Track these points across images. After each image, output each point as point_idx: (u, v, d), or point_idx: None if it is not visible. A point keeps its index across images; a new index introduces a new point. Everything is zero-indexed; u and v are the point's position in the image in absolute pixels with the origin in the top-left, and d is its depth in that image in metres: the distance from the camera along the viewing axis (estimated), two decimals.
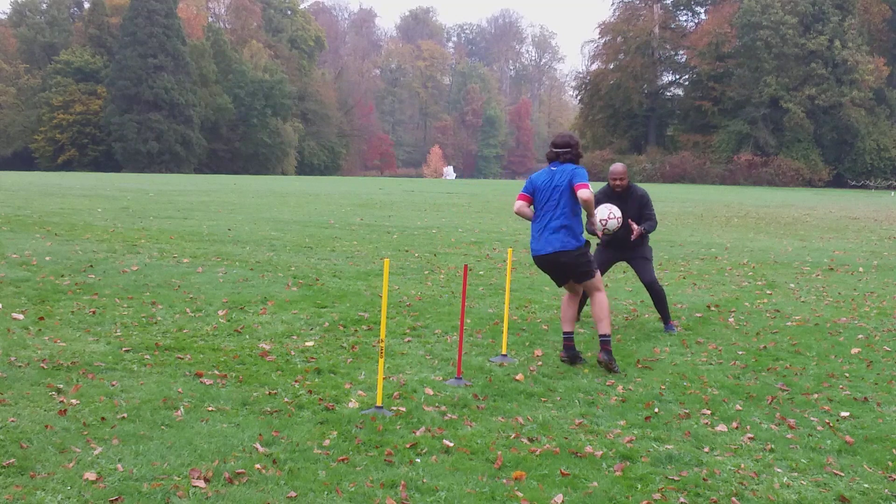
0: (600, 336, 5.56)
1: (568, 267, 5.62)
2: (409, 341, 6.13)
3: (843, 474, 3.80)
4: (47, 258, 9.33)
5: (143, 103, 64.93)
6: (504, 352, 5.78)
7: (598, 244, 7.11)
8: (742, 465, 3.85)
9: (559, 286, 5.91)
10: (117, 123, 64.90)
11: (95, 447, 3.69)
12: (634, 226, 6.75)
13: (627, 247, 6.89)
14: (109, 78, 65.39)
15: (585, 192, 5.45)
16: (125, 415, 4.15)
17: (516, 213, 5.74)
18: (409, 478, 3.52)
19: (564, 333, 5.72)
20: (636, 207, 6.83)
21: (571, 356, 5.65)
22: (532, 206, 5.75)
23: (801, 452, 4.06)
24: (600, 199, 6.81)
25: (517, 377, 5.22)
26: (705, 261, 12.21)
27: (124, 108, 65.03)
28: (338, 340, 6.02)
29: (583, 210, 5.58)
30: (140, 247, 10.92)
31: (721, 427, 4.39)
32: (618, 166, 6.91)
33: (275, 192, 28.96)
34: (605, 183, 6.96)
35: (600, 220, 6.27)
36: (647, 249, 7.01)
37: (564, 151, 5.64)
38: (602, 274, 7.18)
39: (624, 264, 10.34)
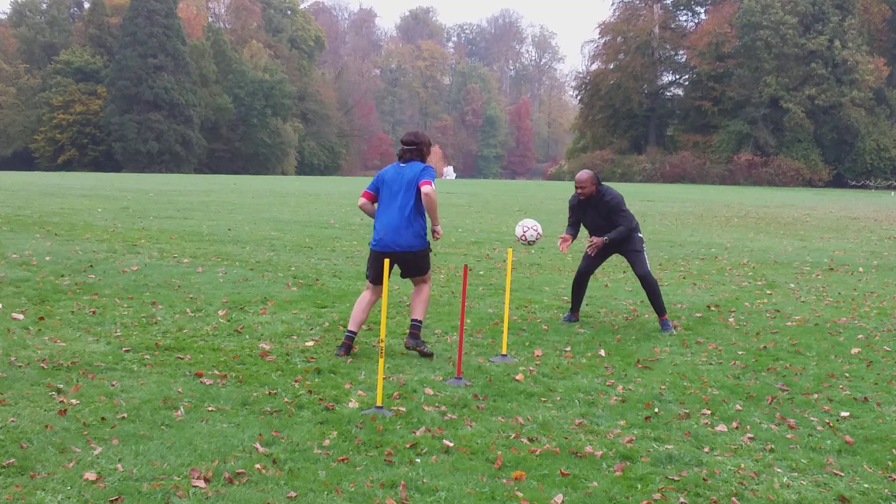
0: (413, 320, 5.68)
1: (411, 265, 5.68)
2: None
3: (843, 474, 3.80)
4: (47, 258, 9.33)
5: (143, 103, 64.92)
6: (504, 352, 5.78)
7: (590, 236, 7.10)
8: (742, 465, 3.85)
9: (376, 283, 5.75)
10: (117, 123, 64.88)
11: (95, 447, 3.69)
12: (594, 239, 6.78)
13: (617, 243, 6.90)
14: (109, 78, 65.38)
15: (427, 188, 5.49)
16: (125, 415, 4.15)
17: (360, 208, 5.83)
18: (409, 478, 3.52)
19: (350, 332, 5.63)
20: (604, 214, 6.82)
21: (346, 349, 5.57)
22: (376, 203, 5.76)
23: (801, 452, 4.06)
24: (573, 206, 7.02)
25: (517, 377, 5.21)
26: (705, 261, 12.22)
27: (124, 108, 65.02)
28: (338, 340, 6.02)
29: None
30: (140, 247, 10.92)
31: (721, 427, 4.39)
32: (581, 174, 6.91)
33: (275, 192, 28.97)
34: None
35: (519, 238, 6.48)
36: (637, 241, 6.96)
37: (411, 149, 5.66)
38: (596, 267, 7.19)
39: (624, 265, 10.35)
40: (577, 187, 6.86)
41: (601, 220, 6.86)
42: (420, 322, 5.70)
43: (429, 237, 5.76)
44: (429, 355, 5.59)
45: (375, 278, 5.73)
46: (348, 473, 3.55)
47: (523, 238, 6.47)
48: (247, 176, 55.99)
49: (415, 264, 5.69)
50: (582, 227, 7.12)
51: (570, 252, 12.62)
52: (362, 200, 5.79)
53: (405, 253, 5.59)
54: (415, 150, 5.69)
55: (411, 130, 5.90)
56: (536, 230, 6.45)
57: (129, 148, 65.09)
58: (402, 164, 5.68)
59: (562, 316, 7.36)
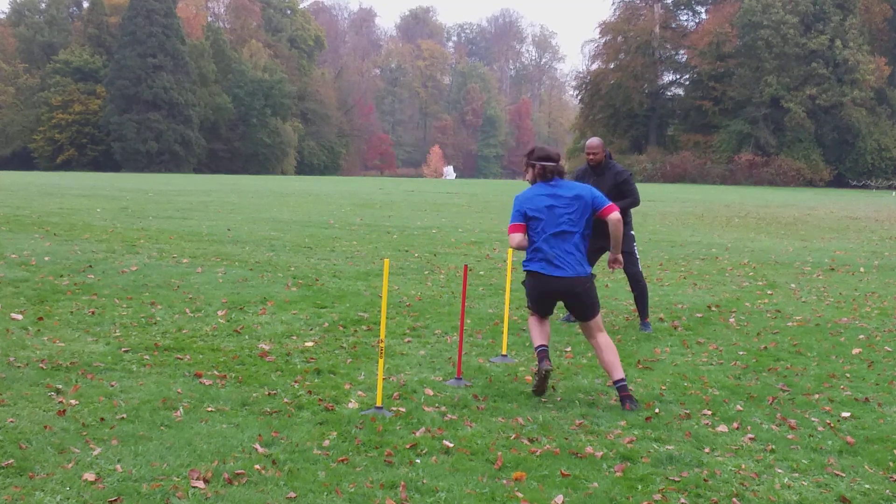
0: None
1: (579, 296, 4.87)
2: (408, 341, 6.12)
3: (844, 475, 3.79)
4: (46, 258, 9.32)
5: (143, 103, 64.93)
6: (504, 352, 5.77)
7: None
8: (743, 466, 3.84)
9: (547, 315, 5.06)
10: (116, 123, 64.90)
11: (94, 448, 3.68)
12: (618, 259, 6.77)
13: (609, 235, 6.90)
14: (108, 77, 65.40)
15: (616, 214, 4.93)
16: (124, 415, 4.14)
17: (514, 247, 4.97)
18: (409, 478, 3.51)
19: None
20: (611, 184, 6.85)
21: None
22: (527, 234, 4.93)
23: (802, 453, 4.05)
24: (578, 175, 7.09)
25: (526, 378, 5.20)
26: (706, 261, 12.20)
27: (123, 107, 65.03)
28: (337, 341, 6.01)
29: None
30: (139, 247, 10.91)
31: (722, 427, 4.38)
32: (593, 140, 7.05)
33: (274, 192, 28.96)
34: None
35: None
36: (629, 239, 6.90)
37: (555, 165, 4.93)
38: (593, 263, 7.17)
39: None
40: (588, 152, 6.91)
41: (605, 190, 6.86)
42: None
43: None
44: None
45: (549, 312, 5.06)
46: (348, 474, 3.54)
47: None
48: (246, 176, 56.00)
49: (586, 297, 4.85)
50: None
51: None
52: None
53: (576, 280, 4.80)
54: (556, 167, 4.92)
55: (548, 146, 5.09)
56: None
57: (129, 148, 65.10)
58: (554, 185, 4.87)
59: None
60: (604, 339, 4.85)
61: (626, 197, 6.84)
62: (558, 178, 4.90)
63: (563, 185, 4.89)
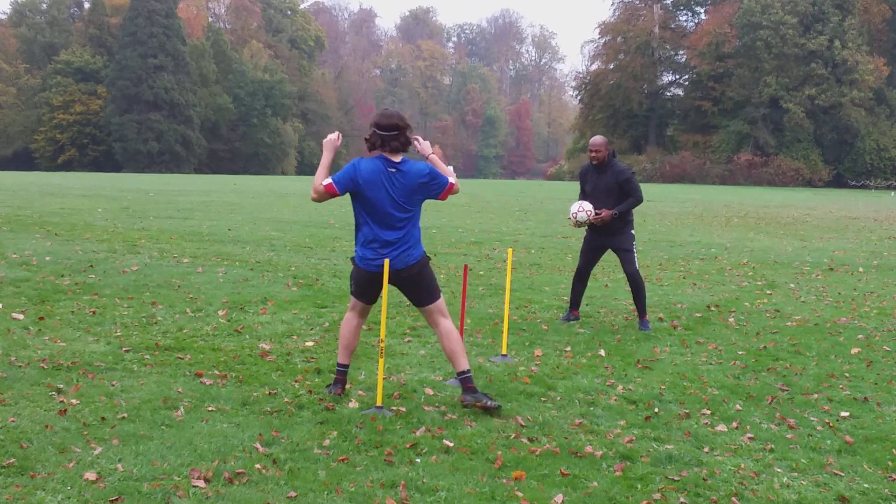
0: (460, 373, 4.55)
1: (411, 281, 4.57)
2: (409, 341, 6.13)
3: (843, 474, 3.80)
4: (47, 258, 9.33)
5: (144, 103, 64.94)
6: (504, 352, 5.78)
7: (585, 230, 7.16)
8: (742, 465, 3.85)
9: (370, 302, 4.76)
10: (117, 123, 64.90)
11: (95, 447, 3.69)
12: (603, 212, 6.79)
13: (611, 233, 6.91)
14: (109, 78, 65.40)
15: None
16: (125, 415, 4.15)
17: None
18: (409, 478, 3.52)
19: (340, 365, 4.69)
20: (613, 182, 6.85)
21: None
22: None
23: (801, 452, 4.06)
24: (583, 173, 7.14)
25: (524, 379, 5.21)
26: (705, 261, 12.21)
27: (124, 108, 65.04)
28: (338, 340, 6.02)
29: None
30: (140, 247, 10.92)
31: (721, 427, 4.39)
32: (596, 138, 7.06)
33: (275, 192, 28.97)
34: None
35: (570, 217, 6.88)
36: (629, 238, 6.94)
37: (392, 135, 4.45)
38: (594, 263, 7.18)
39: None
40: (591, 150, 6.91)
41: (604, 188, 6.87)
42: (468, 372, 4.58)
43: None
44: (492, 408, 4.44)
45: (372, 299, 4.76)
46: (348, 473, 3.55)
47: (574, 217, 6.84)
48: (247, 176, 56.00)
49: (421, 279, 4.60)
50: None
51: (570, 252, 12.62)
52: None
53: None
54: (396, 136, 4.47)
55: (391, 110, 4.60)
56: (587, 211, 6.79)
57: (130, 148, 65.11)
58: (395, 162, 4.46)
59: (562, 316, 7.35)
60: (446, 325, 4.56)
61: (628, 196, 6.85)
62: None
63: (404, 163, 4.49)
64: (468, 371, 4.54)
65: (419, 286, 4.59)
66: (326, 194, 4.46)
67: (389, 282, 4.54)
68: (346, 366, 4.72)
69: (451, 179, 4.62)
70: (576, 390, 5.00)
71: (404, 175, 4.47)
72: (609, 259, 9.75)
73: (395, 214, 4.47)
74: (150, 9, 64.45)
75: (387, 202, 4.44)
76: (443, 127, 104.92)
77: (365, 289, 4.64)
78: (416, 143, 4.67)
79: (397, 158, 4.48)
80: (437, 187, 4.57)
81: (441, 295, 4.68)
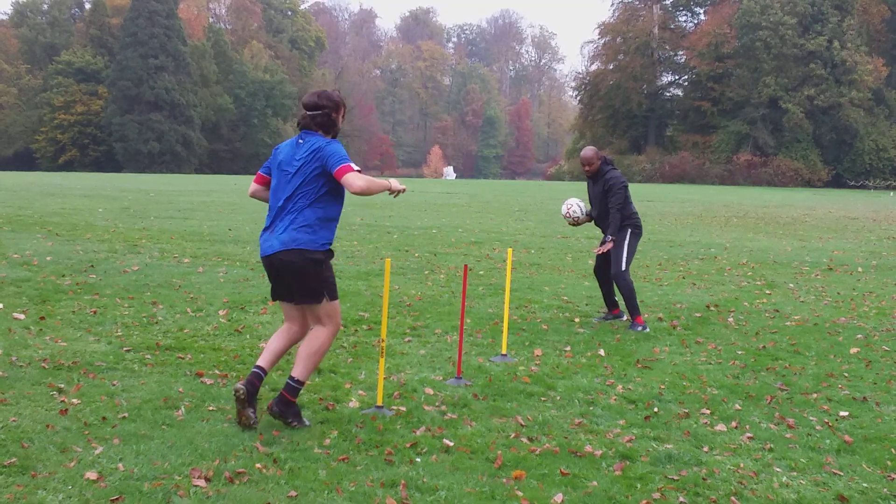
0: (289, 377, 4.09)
1: (295, 274, 4.05)
2: (409, 341, 6.13)
3: (842, 474, 3.81)
4: (48, 258, 9.34)
5: (144, 104, 64.96)
6: (504, 351, 5.79)
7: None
8: (741, 465, 3.86)
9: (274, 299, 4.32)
10: (118, 124, 64.93)
11: (96, 447, 3.70)
12: (607, 244, 6.74)
13: (606, 230, 6.97)
14: (110, 78, 65.45)
15: (354, 178, 3.90)
16: (126, 414, 4.16)
17: (250, 195, 4.33)
18: (410, 477, 3.52)
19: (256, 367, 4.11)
20: (601, 192, 6.88)
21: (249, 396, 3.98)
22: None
23: (800, 452, 4.07)
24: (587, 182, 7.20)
25: (524, 378, 5.22)
26: (704, 261, 12.22)
27: (125, 108, 65.07)
28: (338, 340, 6.03)
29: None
30: (141, 247, 10.93)
31: (720, 426, 4.40)
32: (585, 150, 7.01)
33: None
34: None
35: (564, 216, 7.01)
36: (621, 237, 6.85)
37: (316, 114, 4.09)
38: (603, 263, 7.18)
39: None
40: (583, 164, 6.97)
41: (595, 197, 6.97)
42: (300, 384, 4.08)
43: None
44: (293, 426, 4.06)
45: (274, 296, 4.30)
46: (348, 473, 3.56)
47: (568, 215, 6.94)
48: (247, 176, 55.98)
49: (304, 275, 4.05)
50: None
51: (570, 252, 12.64)
52: (253, 187, 4.31)
53: (284, 252, 4.04)
54: (320, 116, 4.10)
55: (315, 90, 4.21)
56: (580, 206, 6.93)
57: (130, 148, 65.14)
58: (300, 140, 4.11)
59: (562, 316, 7.36)
60: (317, 332, 4.12)
61: (610, 209, 6.74)
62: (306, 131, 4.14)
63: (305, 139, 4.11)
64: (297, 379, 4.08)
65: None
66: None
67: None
68: None
69: (355, 169, 3.97)
70: (575, 390, 5.01)
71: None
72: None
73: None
74: (151, 9, 64.49)
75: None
76: (443, 127, 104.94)
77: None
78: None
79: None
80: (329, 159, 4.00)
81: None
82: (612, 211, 6.76)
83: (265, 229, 4.17)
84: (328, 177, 4.03)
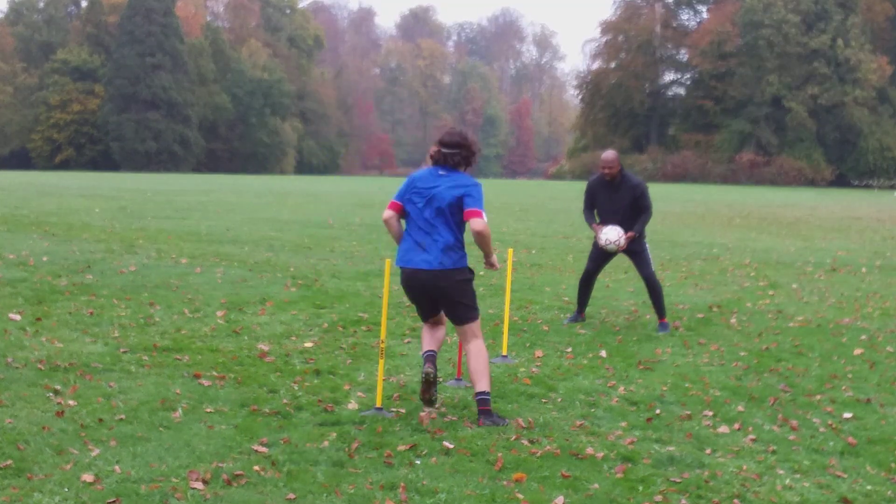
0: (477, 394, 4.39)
1: (444, 292, 4.42)
2: (408, 342, 6.10)
3: (845, 476, 3.77)
4: (44, 258, 9.30)
5: (141, 102, 64.85)
6: (504, 353, 5.75)
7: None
8: (744, 467, 3.82)
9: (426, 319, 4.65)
10: (115, 123, 64.81)
11: (93, 449, 3.67)
12: (630, 234, 6.72)
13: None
14: (107, 77, 65.32)
15: (480, 223, 4.34)
16: (123, 416, 4.13)
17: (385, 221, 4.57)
18: (409, 479, 3.49)
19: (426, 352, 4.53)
20: (629, 198, 6.80)
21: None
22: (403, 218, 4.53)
23: (803, 454, 4.04)
24: (592, 188, 6.98)
25: (525, 380, 5.19)
26: (707, 261, 12.19)
27: (122, 107, 64.95)
28: (337, 341, 6.00)
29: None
30: (138, 247, 10.89)
31: (723, 428, 4.37)
32: (608, 154, 6.92)
33: (273, 191, 28.94)
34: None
35: (605, 241, 6.70)
36: (642, 242, 6.92)
37: (454, 153, 4.42)
38: (603, 266, 7.14)
39: (626, 265, 10.31)
40: (604, 167, 6.79)
41: (618, 204, 6.80)
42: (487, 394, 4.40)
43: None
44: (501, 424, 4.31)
45: (426, 315, 4.67)
46: (347, 475, 3.53)
47: (608, 243, 6.70)
48: (245, 175, 55.97)
49: (454, 293, 4.44)
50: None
51: (571, 252, 12.60)
52: (387, 213, 4.55)
53: (439, 272, 4.41)
54: (458, 154, 4.42)
55: (454, 130, 4.59)
56: (618, 235, 6.68)
57: (127, 147, 65.02)
58: (440, 173, 4.42)
59: (563, 317, 7.32)
60: (476, 345, 4.44)
61: (643, 211, 6.81)
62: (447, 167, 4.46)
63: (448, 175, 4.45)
64: (485, 393, 4.39)
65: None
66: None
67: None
68: None
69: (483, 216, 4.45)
70: (577, 391, 4.97)
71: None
72: (611, 260, 9.71)
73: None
74: (148, 7, 64.34)
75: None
76: (443, 126, 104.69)
77: None
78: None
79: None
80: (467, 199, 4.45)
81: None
82: (645, 212, 6.84)
83: (416, 245, 4.44)
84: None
